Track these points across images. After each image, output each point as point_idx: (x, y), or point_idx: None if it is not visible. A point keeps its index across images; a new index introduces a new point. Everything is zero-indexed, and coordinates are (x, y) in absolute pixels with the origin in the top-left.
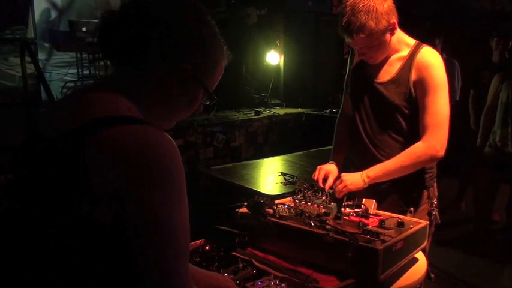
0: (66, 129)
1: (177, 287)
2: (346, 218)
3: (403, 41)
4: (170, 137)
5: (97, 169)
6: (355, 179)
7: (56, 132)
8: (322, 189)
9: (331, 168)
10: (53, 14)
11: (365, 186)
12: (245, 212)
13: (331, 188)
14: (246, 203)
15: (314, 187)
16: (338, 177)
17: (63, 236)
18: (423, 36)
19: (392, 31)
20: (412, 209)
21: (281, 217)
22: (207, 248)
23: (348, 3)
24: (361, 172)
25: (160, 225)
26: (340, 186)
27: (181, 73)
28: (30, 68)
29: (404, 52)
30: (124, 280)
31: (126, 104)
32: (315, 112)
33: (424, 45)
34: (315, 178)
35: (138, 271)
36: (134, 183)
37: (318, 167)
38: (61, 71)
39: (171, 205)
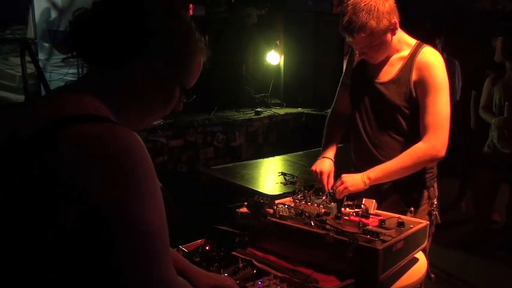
0: (33, 129)
1: (158, 280)
2: (346, 217)
3: (403, 41)
4: (136, 135)
5: (60, 169)
6: (355, 181)
7: (26, 132)
8: (323, 189)
9: (328, 166)
10: (53, 14)
11: (365, 188)
12: (245, 212)
13: (331, 187)
14: (246, 203)
15: (314, 187)
16: (336, 175)
17: (38, 237)
18: (423, 36)
19: (393, 31)
20: (412, 209)
21: (281, 217)
22: (207, 248)
23: (349, 2)
24: (361, 173)
25: (133, 223)
26: (340, 188)
27: (155, 71)
28: (31, 68)
29: (405, 52)
30: (104, 278)
31: (94, 103)
32: (315, 112)
33: (425, 45)
34: (322, 183)
35: (114, 270)
36: (100, 181)
37: (318, 170)
38: (61, 71)
39: (140, 202)
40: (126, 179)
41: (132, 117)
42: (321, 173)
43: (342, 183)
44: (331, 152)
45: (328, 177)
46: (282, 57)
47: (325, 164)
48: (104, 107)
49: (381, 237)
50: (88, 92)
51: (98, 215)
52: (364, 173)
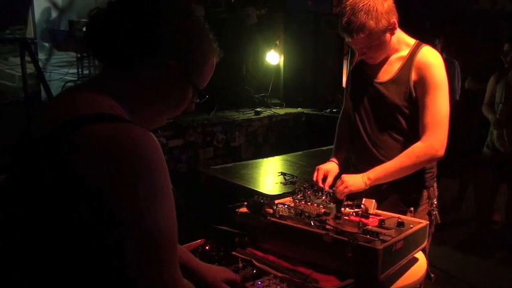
0: (48, 128)
1: (166, 281)
2: (346, 217)
3: (403, 41)
4: (152, 134)
5: (75, 167)
6: (356, 181)
7: (40, 132)
8: (322, 189)
9: (330, 167)
10: (53, 14)
11: (366, 188)
12: (245, 212)
13: (331, 187)
14: (246, 203)
15: (314, 187)
16: (338, 176)
17: (49, 235)
18: (423, 36)
19: (392, 31)
20: (412, 209)
21: (281, 217)
22: (207, 248)
23: (348, 2)
24: (362, 174)
25: (143, 222)
26: (341, 188)
27: (169, 71)
28: (30, 68)
29: (404, 52)
30: (112, 277)
31: (109, 102)
32: (315, 112)
33: (424, 45)
34: (315, 179)
35: (124, 269)
36: (113, 180)
37: (317, 167)
38: (61, 71)
39: (153, 202)
40: (138, 178)
41: (145, 116)
42: (317, 169)
43: (342, 182)
44: (338, 157)
45: (324, 175)
46: (282, 57)
47: (327, 165)
48: (118, 106)
49: (381, 237)
50: (103, 92)
51: (108, 212)
52: (365, 173)
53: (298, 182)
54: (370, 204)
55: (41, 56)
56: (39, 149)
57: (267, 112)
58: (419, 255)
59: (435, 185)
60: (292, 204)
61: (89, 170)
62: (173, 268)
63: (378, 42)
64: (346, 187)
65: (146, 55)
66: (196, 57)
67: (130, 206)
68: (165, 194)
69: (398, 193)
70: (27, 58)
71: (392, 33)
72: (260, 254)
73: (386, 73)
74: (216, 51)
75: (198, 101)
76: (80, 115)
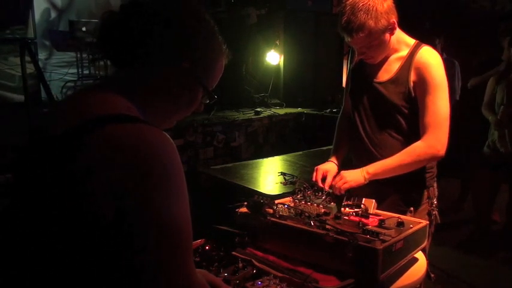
0: (66, 128)
1: (183, 280)
2: (346, 217)
3: (402, 41)
4: (168, 135)
5: (95, 167)
6: (355, 175)
7: (57, 131)
8: (322, 189)
9: (329, 167)
10: (53, 14)
11: (365, 182)
12: (245, 212)
13: (331, 187)
14: (246, 203)
15: (314, 187)
16: (337, 175)
17: (65, 234)
18: (423, 36)
19: (391, 31)
20: (412, 208)
21: (281, 217)
22: (207, 247)
23: (347, 2)
24: (361, 169)
25: (161, 221)
26: (340, 183)
27: (181, 73)
28: (30, 68)
29: (404, 52)
30: (129, 277)
31: (125, 103)
32: (315, 112)
33: (424, 45)
34: (314, 180)
35: (142, 267)
36: (132, 181)
37: (316, 167)
38: (61, 71)
39: (170, 201)
40: (155, 178)
41: (156, 117)
42: (316, 169)
43: (341, 178)
44: (337, 157)
45: (323, 175)
46: (282, 57)
47: (326, 165)
48: (133, 106)
49: (381, 237)
50: (117, 93)
51: (123, 214)
52: (364, 168)
53: (298, 182)
54: (370, 204)
55: (41, 56)
56: (57, 148)
57: (267, 112)
58: (419, 255)
59: (435, 185)
60: (292, 204)
61: (107, 170)
62: (188, 263)
63: (377, 42)
64: (345, 182)
65: (155, 57)
66: (206, 59)
67: (146, 203)
68: (180, 192)
69: (399, 193)
70: (27, 58)
71: (392, 33)
72: (260, 254)
73: (386, 73)
74: (225, 53)
75: (207, 101)
76: (99, 116)
